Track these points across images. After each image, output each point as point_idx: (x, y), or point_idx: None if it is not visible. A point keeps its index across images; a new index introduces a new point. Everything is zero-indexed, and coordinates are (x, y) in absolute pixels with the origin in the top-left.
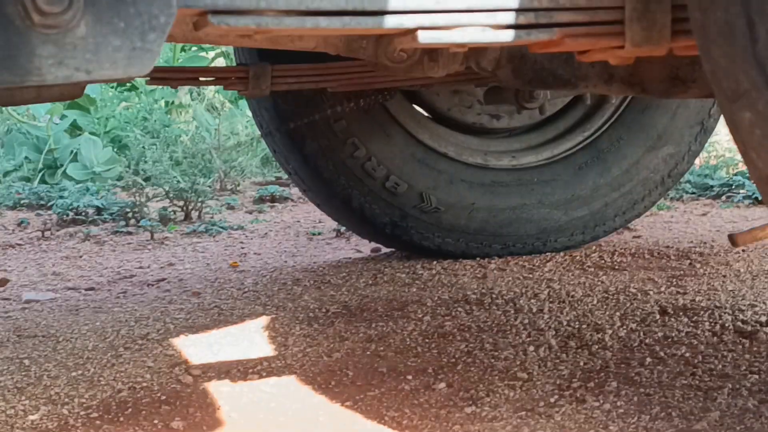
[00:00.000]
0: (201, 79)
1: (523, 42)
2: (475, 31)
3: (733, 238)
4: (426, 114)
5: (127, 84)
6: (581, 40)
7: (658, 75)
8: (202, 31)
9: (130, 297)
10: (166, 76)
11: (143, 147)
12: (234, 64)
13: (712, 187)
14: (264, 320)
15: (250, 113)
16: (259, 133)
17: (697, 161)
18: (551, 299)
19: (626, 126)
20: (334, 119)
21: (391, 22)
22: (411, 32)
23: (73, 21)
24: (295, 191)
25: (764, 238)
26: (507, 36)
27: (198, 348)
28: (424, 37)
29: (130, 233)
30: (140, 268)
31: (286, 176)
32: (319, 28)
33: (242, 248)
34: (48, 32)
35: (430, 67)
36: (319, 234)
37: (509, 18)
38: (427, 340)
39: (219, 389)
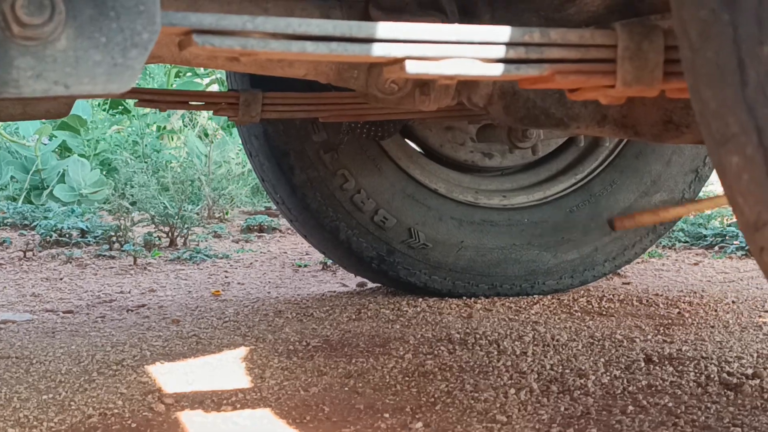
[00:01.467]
0: (191, 103)
1: (513, 77)
2: (464, 63)
3: (611, 222)
4: (418, 149)
5: (119, 107)
6: (572, 77)
7: (651, 118)
8: (188, 51)
9: (108, 322)
10: (155, 99)
11: (132, 171)
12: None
13: (705, 236)
14: (242, 351)
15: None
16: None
17: None
18: (536, 342)
19: (620, 170)
20: (325, 150)
21: (379, 50)
22: (399, 62)
23: (54, 33)
24: (283, 222)
25: (645, 223)
26: (496, 70)
27: (173, 376)
28: (412, 67)
29: (113, 257)
30: (121, 293)
31: (275, 207)
32: (305, 53)
33: (226, 277)
34: (27, 44)
35: (421, 100)
36: (306, 266)
37: (499, 51)
38: (407, 379)
39: (191, 419)
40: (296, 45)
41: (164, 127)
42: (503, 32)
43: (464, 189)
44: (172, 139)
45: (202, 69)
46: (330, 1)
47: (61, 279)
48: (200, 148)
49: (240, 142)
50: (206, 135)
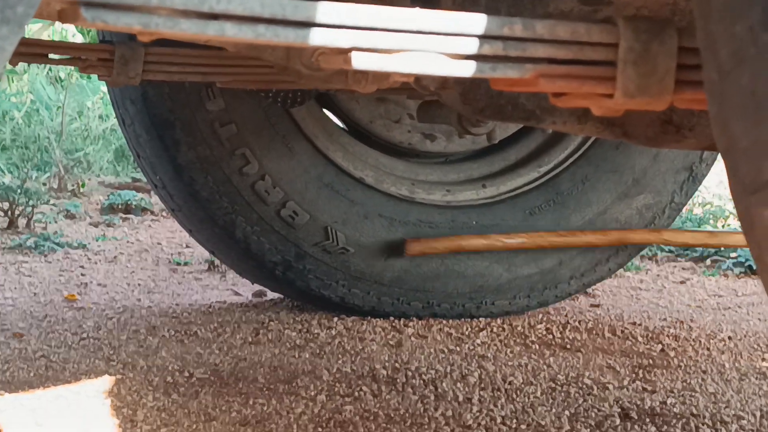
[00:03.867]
0: (51, 56)
1: (486, 76)
2: (425, 58)
3: (405, 245)
4: (340, 125)
5: None
6: (560, 81)
7: (646, 117)
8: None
9: None
10: None
11: None
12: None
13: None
14: (107, 381)
15: (104, 88)
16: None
17: None
18: (483, 385)
19: (594, 164)
20: (221, 123)
21: (319, 37)
22: (343, 52)
23: None
24: (157, 201)
25: (439, 252)
26: (465, 68)
27: (16, 413)
28: (360, 61)
29: None
30: None
31: (152, 189)
32: (224, 36)
33: (82, 275)
34: None
35: (356, 80)
36: (186, 264)
37: (470, 46)
38: (319, 429)
39: None
40: (213, 26)
41: (3, 66)
42: (477, 22)
43: (398, 179)
44: (13, 82)
45: None
46: None
47: None
48: (51, 96)
49: (102, 88)
50: (59, 80)
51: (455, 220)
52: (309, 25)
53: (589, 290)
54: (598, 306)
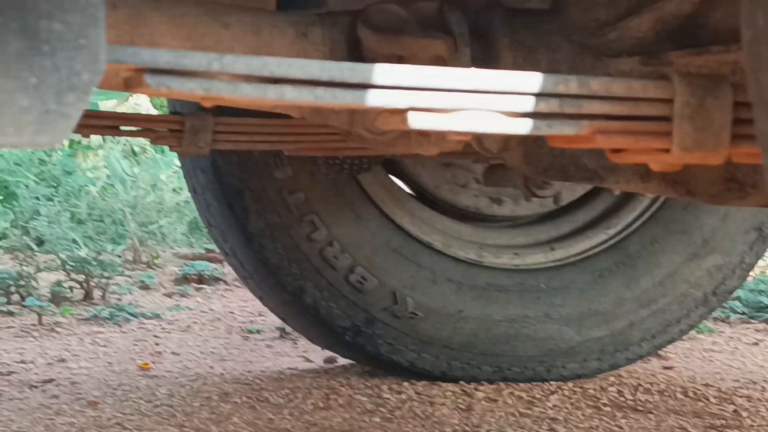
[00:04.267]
0: (123, 128)
1: (543, 134)
2: (481, 116)
3: None
4: (407, 190)
5: None
6: (616, 137)
7: (709, 175)
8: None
9: (6, 402)
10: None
11: (37, 198)
12: (163, 107)
13: (767, 307)
14: None
15: (177, 162)
16: (189, 192)
17: None
18: None
19: (663, 226)
20: (289, 190)
21: (376, 98)
22: (400, 113)
23: None
24: (229, 270)
25: None
26: (522, 126)
27: None
28: (417, 121)
29: (11, 314)
30: (21, 362)
31: (223, 257)
32: (284, 99)
33: (156, 344)
34: None
35: (419, 142)
36: (258, 332)
37: (527, 104)
38: None
39: None
40: (273, 90)
41: (78, 142)
42: (532, 80)
43: (465, 243)
44: (89, 158)
45: None
46: (308, 15)
47: None
48: (125, 169)
49: (176, 161)
50: (133, 153)
51: (524, 284)
52: (366, 86)
53: (661, 352)
54: (670, 368)
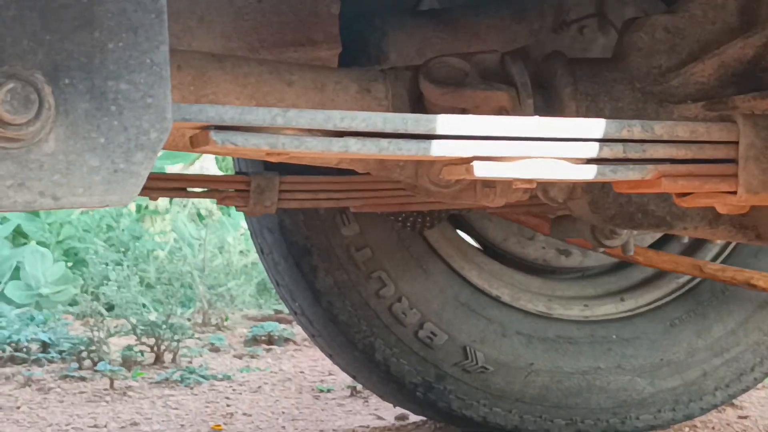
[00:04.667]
0: (189, 190)
1: (608, 180)
2: (545, 164)
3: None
4: (474, 244)
5: None
6: (682, 181)
7: None
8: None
9: None
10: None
11: (106, 264)
12: (228, 170)
13: None
14: None
15: (244, 224)
16: (256, 253)
17: None
18: None
19: None
20: (357, 247)
21: (440, 149)
22: (465, 162)
23: (41, 134)
24: (298, 331)
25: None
26: (587, 172)
27: None
28: (482, 170)
29: (83, 379)
30: (95, 426)
31: (288, 310)
32: (348, 152)
33: (228, 406)
34: (8, 147)
35: (484, 194)
36: (329, 391)
37: (591, 150)
38: None
39: None
40: (338, 143)
41: (146, 207)
42: (595, 126)
43: (534, 296)
44: (156, 222)
45: None
46: (371, 70)
47: (17, 408)
48: (192, 233)
49: (243, 224)
50: (199, 216)
51: (594, 335)
52: (430, 137)
53: (736, 401)
54: (745, 417)
